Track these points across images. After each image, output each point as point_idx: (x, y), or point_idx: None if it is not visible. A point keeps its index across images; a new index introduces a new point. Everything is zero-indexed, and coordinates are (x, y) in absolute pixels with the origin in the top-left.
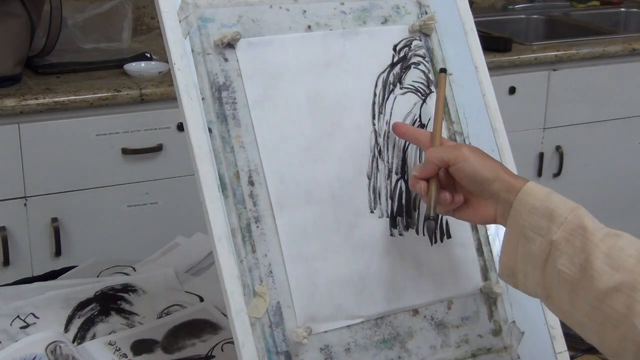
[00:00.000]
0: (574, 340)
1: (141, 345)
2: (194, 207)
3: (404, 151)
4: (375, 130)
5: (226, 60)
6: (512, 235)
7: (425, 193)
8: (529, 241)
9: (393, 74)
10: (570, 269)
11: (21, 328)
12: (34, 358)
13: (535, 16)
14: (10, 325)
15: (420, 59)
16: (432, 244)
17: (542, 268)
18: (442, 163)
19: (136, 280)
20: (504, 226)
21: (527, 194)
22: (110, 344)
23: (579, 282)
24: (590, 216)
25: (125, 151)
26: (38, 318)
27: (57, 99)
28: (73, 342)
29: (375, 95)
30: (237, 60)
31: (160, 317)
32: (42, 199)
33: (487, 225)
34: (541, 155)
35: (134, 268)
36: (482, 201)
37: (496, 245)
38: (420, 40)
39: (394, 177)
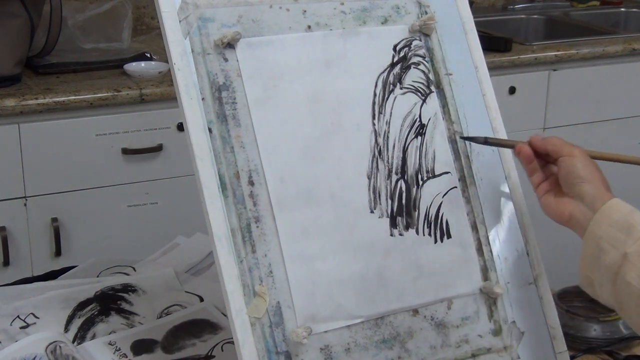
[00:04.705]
0: (574, 340)
1: (141, 345)
2: (194, 207)
3: (404, 151)
4: (375, 130)
5: (226, 60)
6: (590, 245)
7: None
8: (604, 253)
9: (393, 74)
10: (639, 282)
11: (21, 328)
12: (34, 358)
13: (535, 16)
14: (10, 325)
15: (420, 59)
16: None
17: (614, 280)
18: (553, 149)
19: (136, 280)
20: (573, 229)
21: (610, 207)
22: (110, 344)
23: None
24: None
25: (125, 151)
26: (38, 318)
27: (57, 99)
28: (73, 342)
29: (375, 95)
30: (237, 60)
31: (160, 317)
32: (42, 199)
33: (487, 225)
34: None
35: (134, 268)
36: (566, 198)
37: (496, 245)
38: (420, 40)
39: (394, 177)
